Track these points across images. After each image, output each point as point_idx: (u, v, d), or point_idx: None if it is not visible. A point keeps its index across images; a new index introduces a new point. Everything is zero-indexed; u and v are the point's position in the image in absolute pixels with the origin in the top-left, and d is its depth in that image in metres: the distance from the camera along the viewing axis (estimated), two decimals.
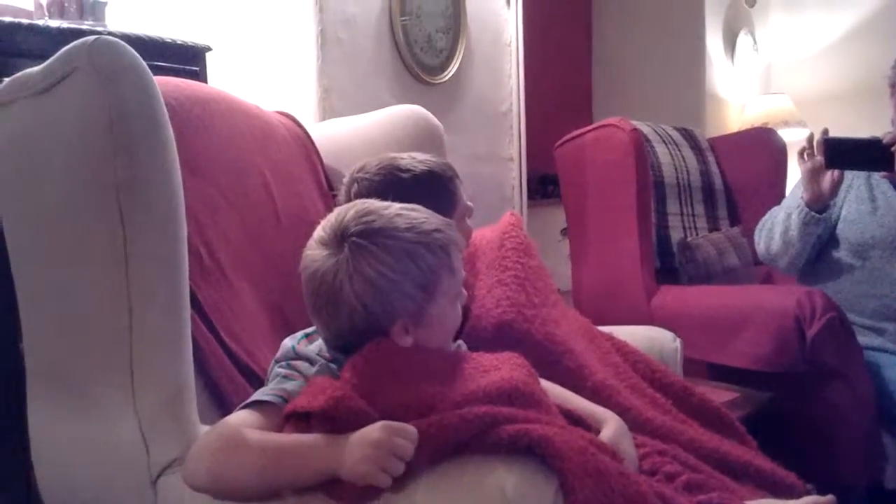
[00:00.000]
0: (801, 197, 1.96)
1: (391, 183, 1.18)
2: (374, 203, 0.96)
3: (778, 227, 2.02)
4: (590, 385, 1.11)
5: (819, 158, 1.92)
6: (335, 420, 0.81)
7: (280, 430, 0.87)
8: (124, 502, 0.97)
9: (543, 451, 0.76)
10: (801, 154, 1.97)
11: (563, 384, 1.10)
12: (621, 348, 1.27)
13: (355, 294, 0.89)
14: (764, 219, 2.14)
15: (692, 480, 0.90)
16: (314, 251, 0.93)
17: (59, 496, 1.06)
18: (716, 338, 1.93)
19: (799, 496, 1.00)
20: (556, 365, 1.11)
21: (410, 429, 0.79)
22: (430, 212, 0.98)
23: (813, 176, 1.93)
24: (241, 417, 0.89)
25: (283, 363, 0.98)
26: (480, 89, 2.78)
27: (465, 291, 1.03)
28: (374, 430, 0.80)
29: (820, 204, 1.95)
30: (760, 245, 2.12)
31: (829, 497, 0.97)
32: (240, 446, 0.83)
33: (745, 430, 1.20)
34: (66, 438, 1.01)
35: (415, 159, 1.24)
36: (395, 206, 0.96)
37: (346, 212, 0.94)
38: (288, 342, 1.02)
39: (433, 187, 1.19)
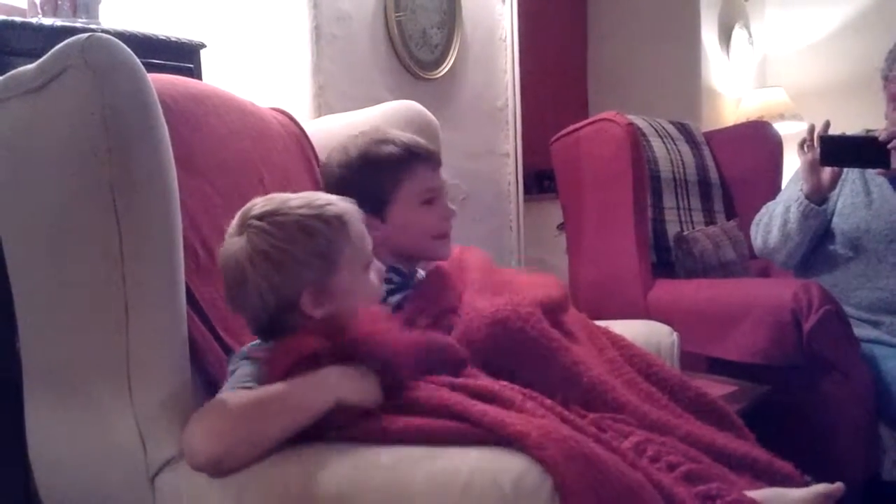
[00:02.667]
0: (801, 189, 1.96)
1: (328, 176, 1.35)
2: (278, 194, 1.03)
3: (776, 220, 2.02)
4: (585, 381, 1.10)
5: (810, 145, 1.92)
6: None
7: None
8: (122, 500, 0.97)
9: (522, 444, 0.77)
10: (801, 146, 1.97)
11: (557, 381, 1.09)
12: (617, 342, 1.27)
13: (257, 272, 0.95)
14: (760, 213, 2.14)
15: (692, 470, 0.90)
16: (225, 241, 1.00)
17: (56, 495, 1.06)
18: (713, 331, 1.93)
19: (796, 487, 1.00)
20: (550, 361, 1.10)
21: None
22: (334, 196, 1.05)
23: (813, 168, 1.93)
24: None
25: (237, 360, 1.00)
26: (476, 85, 2.78)
27: (379, 264, 1.08)
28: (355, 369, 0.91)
29: (819, 196, 1.95)
30: (757, 240, 2.11)
31: (838, 485, 0.97)
32: (237, 407, 0.86)
33: (742, 423, 1.20)
34: (63, 437, 1.01)
35: (356, 140, 1.34)
36: (299, 194, 1.03)
37: (252, 202, 1.01)
38: (245, 347, 1.04)
39: (370, 170, 1.29)
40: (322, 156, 1.57)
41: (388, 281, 1.22)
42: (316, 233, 0.98)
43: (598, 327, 1.30)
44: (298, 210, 0.99)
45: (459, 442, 0.81)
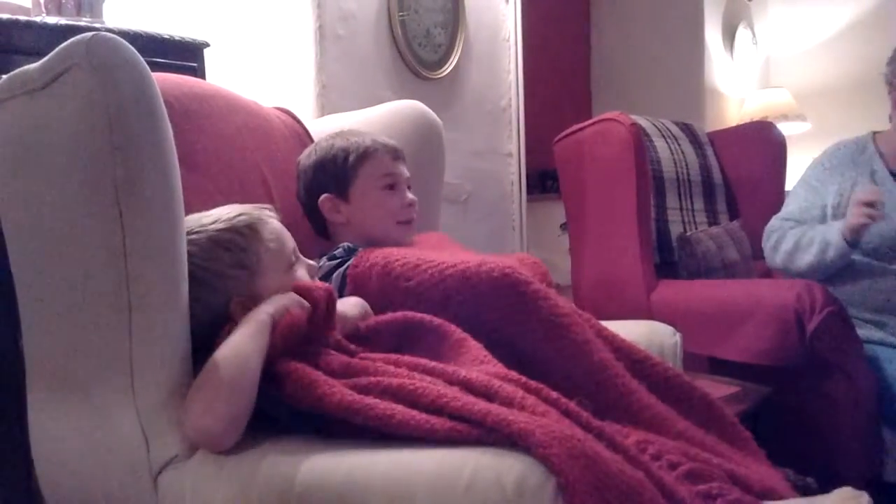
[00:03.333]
0: (844, 237, 1.92)
1: (301, 172, 1.43)
2: (193, 214, 1.06)
3: (808, 254, 1.99)
4: (596, 360, 1.07)
5: (880, 214, 1.89)
6: None
7: None
8: (125, 499, 0.97)
9: (525, 442, 0.76)
10: (867, 204, 1.89)
11: (565, 359, 1.07)
12: (611, 341, 1.24)
13: (189, 292, 0.97)
14: (771, 227, 2.10)
15: (693, 470, 0.90)
16: None
17: (59, 493, 1.06)
18: (715, 332, 1.93)
19: (779, 499, 0.99)
20: (558, 334, 1.07)
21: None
22: (247, 206, 1.09)
23: (867, 227, 1.91)
24: None
25: None
26: (479, 85, 2.78)
27: (310, 261, 1.13)
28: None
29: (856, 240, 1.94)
30: (775, 259, 2.07)
31: (864, 494, 0.96)
32: (212, 374, 0.90)
33: (737, 422, 1.19)
34: (66, 435, 1.01)
35: (325, 137, 1.43)
36: (213, 210, 1.08)
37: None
38: None
39: (335, 154, 1.39)
40: None
41: (332, 257, 1.27)
42: (231, 245, 1.01)
43: (597, 324, 1.27)
44: (211, 226, 1.03)
45: (461, 441, 0.81)
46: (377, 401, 0.86)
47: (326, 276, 1.22)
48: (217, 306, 0.98)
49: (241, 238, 1.03)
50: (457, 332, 1.05)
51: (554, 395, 0.91)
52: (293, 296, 0.99)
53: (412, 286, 1.13)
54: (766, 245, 2.11)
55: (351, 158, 1.38)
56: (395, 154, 1.41)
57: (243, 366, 0.90)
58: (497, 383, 0.88)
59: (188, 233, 1.00)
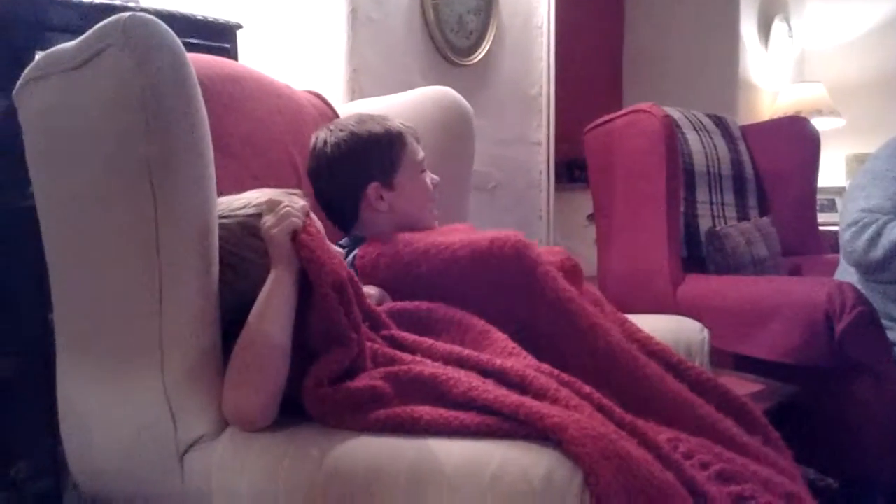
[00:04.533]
0: None
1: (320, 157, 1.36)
2: (223, 197, 1.06)
3: None
4: (602, 346, 1.04)
5: None
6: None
7: None
8: (151, 476, 0.98)
9: (559, 436, 0.76)
10: None
11: (571, 342, 1.05)
12: (633, 334, 1.23)
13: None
14: (861, 220, 1.97)
15: (725, 470, 0.89)
16: None
17: (86, 468, 1.07)
18: (742, 329, 1.91)
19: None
20: (561, 315, 1.05)
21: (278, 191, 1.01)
22: (275, 190, 1.08)
23: None
24: None
25: None
26: (510, 72, 2.76)
27: (333, 246, 1.09)
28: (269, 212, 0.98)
29: None
30: (877, 254, 1.93)
31: None
32: (241, 348, 0.92)
33: (767, 423, 1.18)
34: (94, 412, 1.02)
35: (345, 123, 1.36)
36: (242, 194, 1.08)
37: None
38: None
39: (377, 140, 1.33)
40: None
41: (339, 247, 1.27)
42: (260, 232, 1.00)
43: (619, 316, 1.25)
44: (241, 210, 1.03)
45: (491, 434, 0.80)
46: (403, 408, 0.86)
47: None
48: (245, 291, 0.98)
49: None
50: (480, 324, 1.04)
51: (587, 388, 0.90)
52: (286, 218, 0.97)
53: (423, 272, 1.13)
54: (861, 238, 1.99)
55: (396, 145, 1.34)
56: (418, 136, 1.40)
57: (266, 344, 0.91)
58: (532, 374, 0.88)
59: (219, 217, 1.00)
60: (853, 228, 1.96)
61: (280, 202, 0.98)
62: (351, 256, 1.22)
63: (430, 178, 1.38)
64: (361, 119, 1.36)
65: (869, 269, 1.96)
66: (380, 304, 1.10)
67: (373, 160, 1.32)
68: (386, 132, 1.33)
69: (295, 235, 0.95)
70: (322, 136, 1.35)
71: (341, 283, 0.92)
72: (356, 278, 1.00)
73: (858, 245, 1.95)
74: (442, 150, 1.57)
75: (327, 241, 0.98)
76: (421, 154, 1.37)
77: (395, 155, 1.33)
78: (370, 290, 1.12)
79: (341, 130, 1.34)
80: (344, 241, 1.29)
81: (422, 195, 1.36)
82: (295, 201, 0.99)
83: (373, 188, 1.32)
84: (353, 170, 1.32)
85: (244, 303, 0.97)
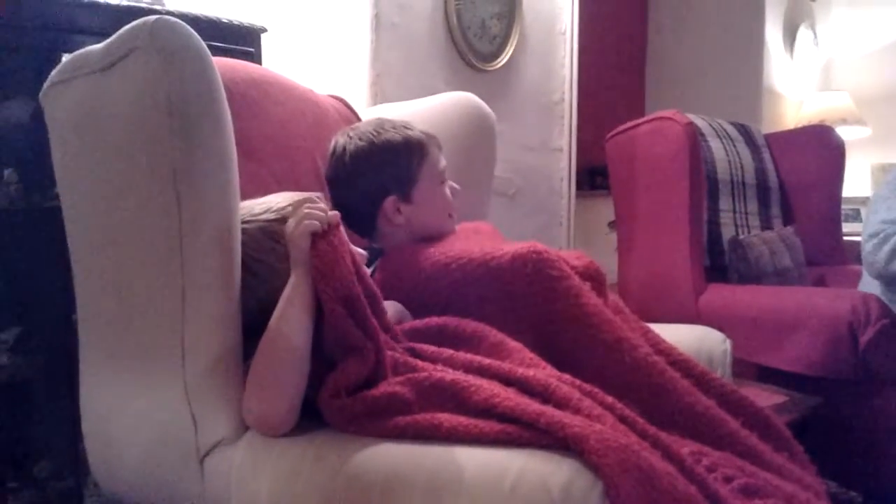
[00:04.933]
0: None
1: (339, 167, 1.33)
2: (244, 202, 1.05)
3: None
4: (628, 360, 1.03)
5: None
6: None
7: None
8: (171, 478, 0.98)
9: (580, 447, 0.75)
10: None
11: (593, 355, 1.04)
12: (657, 344, 1.21)
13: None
14: (883, 231, 1.98)
15: (749, 485, 0.88)
16: None
17: (106, 468, 1.07)
18: (765, 339, 1.89)
19: None
20: (586, 327, 1.04)
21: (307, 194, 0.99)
22: (295, 194, 1.07)
23: None
24: None
25: None
26: (533, 78, 2.75)
27: (356, 248, 1.07)
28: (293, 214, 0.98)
29: None
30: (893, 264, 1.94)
31: None
32: (261, 353, 0.92)
33: (791, 437, 1.16)
34: (115, 412, 1.03)
35: (362, 130, 1.33)
36: (263, 199, 1.08)
37: None
38: None
39: (396, 152, 1.30)
40: None
41: None
42: (281, 237, 1.00)
43: (642, 325, 1.24)
44: (262, 216, 1.02)
45: (510, 443, 0.80)
46: (423, 415, 0.85)
47: None
48: (265, 296, 0.98)
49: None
50: (493, 335, 1.03)
51: (609, 399, 0.89)
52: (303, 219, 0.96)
53: (443, 286, 1.12)
54: (882, 250, 1.94)
55: (414, 158, 1.29)
56: (439, 144, 1.36)
57: (286, 350, 0.90)
58: (554, 383, 0.87)
59: (240, 222, 1.00)
60: (874, 240, 1.95)
61: (310, 199, 0.98)
62: (371, 269, 1.21)
63: (449, 187, 1.35)
64: (381, 127, 1.31)
65: (891, 281, 1.94)
66: (398, 322, 1.09)
67: (390, 173, 1.29)
68: (405, 142, 1.29)
69: (314, 240, 0.94)
70: (341, 142, 1.32)
71: (350, 298, 0.90)
72: (375, 289, 0.99)
73: (880, 257, 1.94)
74: (464, 155, 1.57)
75: (348, 252, 0.96)
76: (442, 164, 1.34)
77: (414, 167, 1.29)
78: (389, 307, 1.11)
79: (360, 139, 1.30)
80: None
81: (441, 207, 1.33)
82: (322, 207, 0.98)
83: (390, 202, 1.29)
84: (371, 182, 1.29)
85: (265, 308, 0.97)
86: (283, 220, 1.02)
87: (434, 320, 1.07)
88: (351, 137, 1.31)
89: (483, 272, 1.09)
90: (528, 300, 1.07)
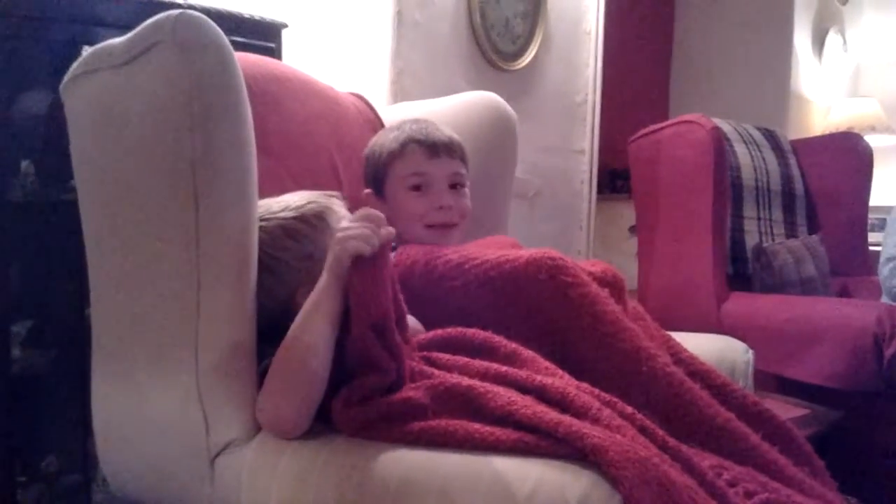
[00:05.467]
0: None
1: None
2: (262, 200, 1.04)
3: None
4: (645, 370, 1.00)
5: None
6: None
7: None
8: (181, 478, 0.97)
9: (597, 459, 0.74)
10: None
11: (610, 364, 1.01)
12: (677, 353, 1.19)
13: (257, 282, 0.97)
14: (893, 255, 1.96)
15: (770, 501, 0.86)
16: None
17: (116, 466, 1.07)
18: (788, 350, 1.86)
19: None
20: (606, 339, 1.01)
21: (373, 212, 0.91)
22: (315, 193, 1.08)
23: None
24: None
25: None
26: (556, 78, 2.73)
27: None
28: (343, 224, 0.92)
29: None
30: None
31: None
32: (282, 356, 0.90)
33: (812, 451, 1.14)
34: (126, 410, 1.02)
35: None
36: (281, 197, 1.07)
37: None
38: None
39: (378, 148, 1.34)
40: None
41: None
42: (299, 235, 0.99)
43: (663, 333, 1.20)
44: (280, 213, 1.02)
45: (527, 452, 0.78)
46: (437, 421, 0.83)
47: None
48: (282, 295, 0.97)
49: (308, 228, 1.01)
50: (505, 345, 1.00)
51: (629, 409, 0.87)
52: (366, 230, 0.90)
53: (457, 286, 1.10)
54: (886, 268, 1.95)
55: (384, 155, 1.31)
56: (433, 151, 1.30)
57: (307, 354, 0.88)
58: (573, 392, 0.85)
59: (260, 219, 0.99)
60: (891, 265, 1.94)
61: (373, 217, 0.91)
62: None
63: (433, 197, 1.30)
64: (398, 124, 1.35)
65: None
66: (413, 334, 1.08)
67: (370, 167, 1.34)
68: (387, 142, 1.32)
69: (358, 260, 0.89)
70: None
71: (383, 324, 0.88)
72: (404, 308, 0.96)
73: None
74: (484, 155, 1.55)
75: (390, 277, 0.92)
76: (417, 169, 1.29)
77: (384, 166, 1.31)
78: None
79: (379, 133, 1.36)
80: None
81: (403, 213, 1.29)
82: (381, 228, 0.91)
83: (366, 194, 1.33)
84: (363, 173, 1.37)
85: (282, 306, 0.95)
86: (301, 218, 1.01)
87: (442, 332, 1.05)
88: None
89: (497, 274, 1.07)
90: (543, 306, 1.05)
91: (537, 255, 1.06)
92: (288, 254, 0.99)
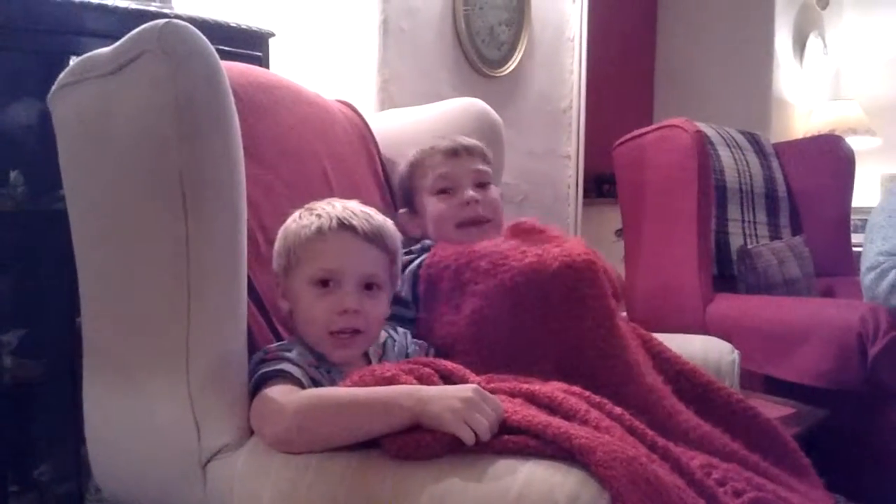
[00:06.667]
0: None
1: None
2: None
3: None
4: (648, 382, 1.06)
5: None
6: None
7: None
8: (173, 483, 0.97)
9: (585, 459, 0.75)
10: None
11: (612, 375, 1.05)
12: (659, 354, 1.21)
13: None
14: (879, 264, 1.95)
15: (759, 499, 0.87)
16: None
17: (108, 472, 1.07)
18: (773, 350, 1.88)
19: None
20: (616, 351, 1.05)
21: (498, 402, 0.82)
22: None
23: None
24: (287, 389, 0.92)
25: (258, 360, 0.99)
26: (541, 84, 2.75)
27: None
28: (465, 389, 0.82)
29: None
30: (892, 299, 1.92)
31: None
32: (319, 402, 0.88)
33: (798, 449, 1.15)
34: (118, 417, 1.02)
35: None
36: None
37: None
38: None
39: (400, 188, 1.43)
40: (384, 150, 1.57)
41: (409, 252, 1.23)
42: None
43: (646, 336, 1.22)
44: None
45: (517, 453, 0.79)
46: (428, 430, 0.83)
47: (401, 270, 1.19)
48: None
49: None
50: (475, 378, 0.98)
51: (618, 410, 0.89)
52: (479, 421, 0.80)
53: (480, 290, 1.11)
54: (882, 285, 1.87)
55: (407, 169, 1.39)
56: (452, 152, 1.33)
57: (344, 435, 0.86)
58: (560, 395, 0.86)
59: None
60: (872, 274, 1.94)
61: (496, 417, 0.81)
62: (418, 262, 1.21)
63: (459, 196, 1.32)
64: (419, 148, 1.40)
65: (893, 314, 1.91)
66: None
67: (402, 189, 1.41)
68: (412, 155, 1.38)
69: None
70: None
71: None
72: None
73: (879, 292, 1.95)
74: None
75: None
76: (439, 171, 1.33)
77: (410, 181, 1.38)
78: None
79: None
80: (416, 245, 1.27)
81: (435, 218, 1.32)
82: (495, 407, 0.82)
83: (401, 214, 1.37)
84: (399, 196, 1.44)
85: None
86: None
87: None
88: None
89: (523, 281, 1.08)
90: (561, 314, 1.06)
91: (567, 264, 1.08)
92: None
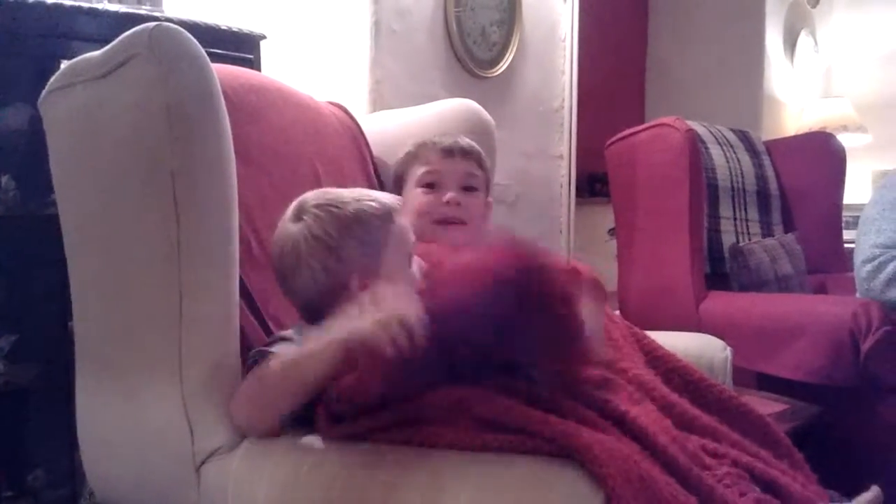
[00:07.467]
0: None
1: None
2: (333, 188, 1.10)
3: None
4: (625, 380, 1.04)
5: None
6: None
7: None
8: (167, 487, 0.97)
9: (582, 457, 0.75)
10: None
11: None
12: (653, 353, 1.21)
13: (312, 255, 1.00)
14: (876, 256, 1.95)
15: (762, 500, 0.88)
16: (280, 228, 1.05)
17: (102, 476, 1.07)
18: (766, 347, 1.88)
19: None
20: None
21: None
22: (382, 193, 1.11)
23: None
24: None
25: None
26: (533, 85, 2.75)
27: (420, 260, 1.10)
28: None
29: None
30: (889, 292, 1.92)
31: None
32: (264, 374, 0.91)
33: (791, 444, 1.16)
34: (111, 421, 1.02)
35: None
36: (352, 189, 1.09)
37: (307, 194, 1.07)
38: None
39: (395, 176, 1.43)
40: (376, 152, 1.57)
41: None
42: (368, 224, 1.02)
43: (639, 334, 1.23)
44: (352, 203, 1.04)
45: (514, 451, 0.79)
46: (427, 427, 0.84)
47: None
48: (338, 275, 1.00)
49: (377, 220, 1.04)
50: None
51: (613, 409, 0.89)
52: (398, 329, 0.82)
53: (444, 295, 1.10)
54: (878, 278, 1.87)
55: (403, 158, 1.41)
56: (447, 152, 1.36)
57: (297, 387, 0.90)
58: (558, 395, 0.87)
59: (330, 203, 1.02)
60: (868, 267, 1.94)
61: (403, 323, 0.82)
62: None
63: (441, 193, 1.33)
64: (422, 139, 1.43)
65: (888, 307, 1.92)
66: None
67: (395, 176, 1.43)
68: (410, 146, 1.41)
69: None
70: None
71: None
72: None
73: (875, 284, 1.95)
74: None
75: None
76: (431, 167, 1.35)
77: (403, 172, 1.40)
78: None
79: None
80: None
81: (412, 210, 1.32)
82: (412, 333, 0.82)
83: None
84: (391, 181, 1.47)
85: (334, 284, 0.99)
86: (369, 208, 1.04)
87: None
88: None
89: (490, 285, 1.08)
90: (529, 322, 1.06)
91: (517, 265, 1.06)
92: (351, 235, 1.01)
